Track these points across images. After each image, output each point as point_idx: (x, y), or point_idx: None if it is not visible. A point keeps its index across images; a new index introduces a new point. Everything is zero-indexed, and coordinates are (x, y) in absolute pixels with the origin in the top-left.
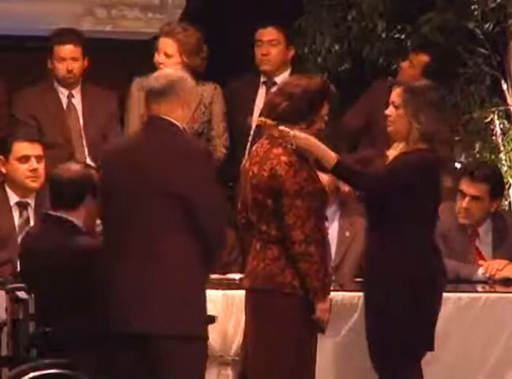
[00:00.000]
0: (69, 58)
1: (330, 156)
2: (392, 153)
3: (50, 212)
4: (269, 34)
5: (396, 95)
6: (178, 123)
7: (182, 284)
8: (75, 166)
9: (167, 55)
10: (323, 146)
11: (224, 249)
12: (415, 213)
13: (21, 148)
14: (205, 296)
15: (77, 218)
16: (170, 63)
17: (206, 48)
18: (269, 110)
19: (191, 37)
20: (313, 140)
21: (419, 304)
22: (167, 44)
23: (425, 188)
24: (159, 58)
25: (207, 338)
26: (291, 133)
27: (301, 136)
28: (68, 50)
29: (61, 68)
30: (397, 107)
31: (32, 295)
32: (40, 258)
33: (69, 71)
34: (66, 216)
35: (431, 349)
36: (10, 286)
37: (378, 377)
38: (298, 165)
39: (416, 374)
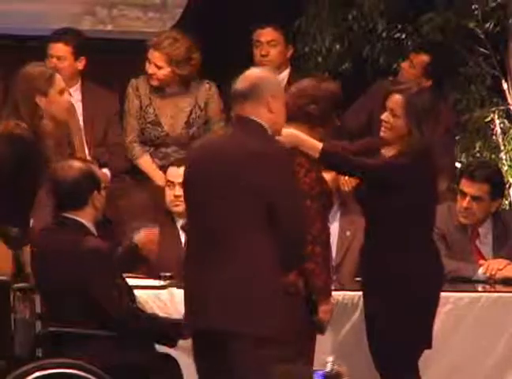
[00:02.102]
0: (54, 55)
1: (314, 146)
2: (387, 151)
3: (60, 213)
4: (267, 34)
5: (395, 102)
6: (263, 123)
7: (259, 284)
8: (76, 165)
9: (157, 66)
10: (306, 137)
11: (302, 250)
12: (412, 214)
13: None
14: (281, 296)
15: (84, 217)
16: (160, 74)
17: (198, 54)
18: (290, 111)
19: (179, 48)
20: (296, 133)
21: (418, 303)
22: (155, 56)
23: (421, 186)
24: (149, 68)
25: (280, 339)
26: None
27: (284, 133)
28: (54, 48)
29: (46, 65)
30: (396, 116)
31: (38, 294)
32: (50, 258)
33: (50, 69)
34: (75, 217)
35: (429, 347)
36: (16, 285)
37: (378, 375)
38: (308, 166)
39: (416, 372)
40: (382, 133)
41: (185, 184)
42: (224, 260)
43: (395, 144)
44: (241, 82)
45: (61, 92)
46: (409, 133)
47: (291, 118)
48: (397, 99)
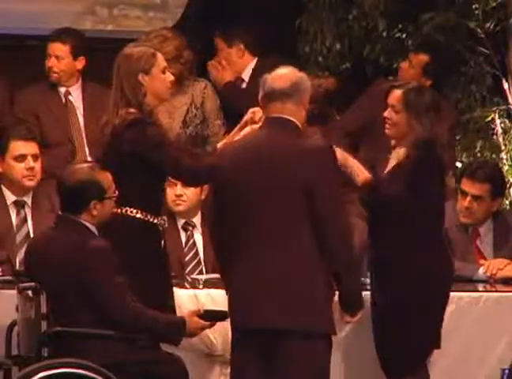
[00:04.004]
0: (52, 55)
1: (363, 173)
2: (394, 157)
3: (63, 214)
4: (56, 49)
5: (395, 98)
6: (297, 123)
7: (307, 280)
8: (82, 171)
9: None
10: (357, 162)
11: (347, 246)
12: (423, 214)
13: (17, 146)
14: (328, 292)
15: (83, 219)
16: None
17: (188, 53)
18: None
19: (169, 46)
20: (346, 155)
21: (428, 303)
22: None
23: (431, 189)
24: None
25: (332, 335)
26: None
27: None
28: (52, 47)
29: (46, 65)
30: (397, 112)
31: (44, 294)
32: (54, 258)
33: (49, 68)
34: (76, 218)
35: (438, 347)
36: (22, 285)
37: (379, 375)
38: None
39: (425, 372)
40: (386, 131)
41: (224, 186)
42: (274, 258)
43: (400, 140)
44: (280, 82)
45: (163, 71)
46: (411, 127)
47: None
48: (396, 94)
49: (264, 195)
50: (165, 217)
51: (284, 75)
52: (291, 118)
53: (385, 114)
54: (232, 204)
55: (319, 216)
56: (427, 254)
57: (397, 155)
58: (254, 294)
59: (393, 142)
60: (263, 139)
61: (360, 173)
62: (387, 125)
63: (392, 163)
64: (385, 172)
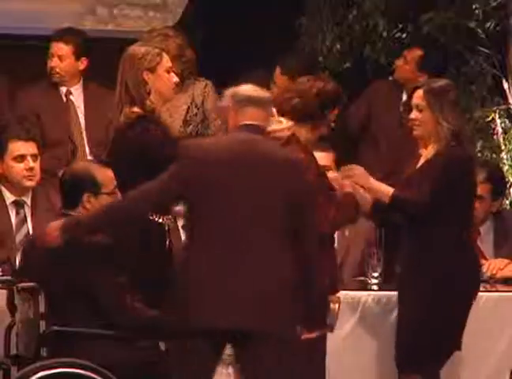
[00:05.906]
0: (55, 55)
1: (387, 191)
2: (424, 154)
3: (64, 212)
4: (58, 49)
5: (418, 97)
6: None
7: (285, 287)
8: (79, 166)
9: None
10: (375, 181)
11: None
12: (454, 215)
13: (17, 147)
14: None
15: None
16: None
17: (190, 52)
18: (277, 105)
19: (170, 45)
20: (367, 175)
21: (453, 304)
22: None
23: (463, 188)
24: None
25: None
26: (355, 171)
27: (363, 175)
28: (55, 47)
29: (48, 64)
30: (421, 110)
31: (43, 294)
32: (52, 257)
33: (51, 68)
34: (73, 215)
35: (459, 348)
36: (21, 285)
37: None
38: (307, 162)
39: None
40: (414, 132)
41: (207, 184)
42: (250, 263)
43: (428, 139)
44: (256, 90)
45: (168, 71)
46: (437, 123)
47: (279, 112)
48: (419, 93)
49: (246, 198)
50: (171, 216)
51: (255, 87)
52: (264, 125)
53: (411, 115)
54: (213, 205)
55: (299, 227)
56: (454, 255)
57: (426, 152)
58: (227, 295)
59: (420, 146)
60: (240, 142)
61: (383, 190)
62: (414, 127)
63: (422, 160)
64: (416, 169)
